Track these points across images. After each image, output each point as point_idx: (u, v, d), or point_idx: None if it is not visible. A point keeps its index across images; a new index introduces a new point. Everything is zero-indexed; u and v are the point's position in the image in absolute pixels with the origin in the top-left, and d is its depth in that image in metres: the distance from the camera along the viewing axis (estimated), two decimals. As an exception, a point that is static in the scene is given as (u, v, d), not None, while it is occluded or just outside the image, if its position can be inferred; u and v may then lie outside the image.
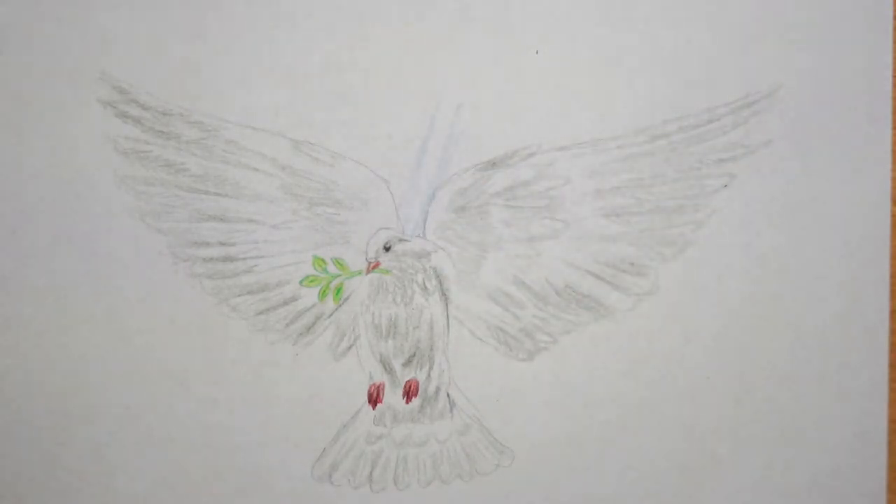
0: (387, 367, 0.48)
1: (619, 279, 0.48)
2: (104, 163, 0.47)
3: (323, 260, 0.48)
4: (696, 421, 0.48)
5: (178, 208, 0.47)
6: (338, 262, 0.48)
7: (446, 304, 0.48)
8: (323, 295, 0.48)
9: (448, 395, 0.48)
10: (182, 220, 0.47)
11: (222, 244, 0.47)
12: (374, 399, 0.48)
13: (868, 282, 0.48)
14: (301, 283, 0.48)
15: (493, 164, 0.47)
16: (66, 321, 0.48)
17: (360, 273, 0.48)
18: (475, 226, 0.48)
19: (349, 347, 0.48)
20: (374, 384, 0.48)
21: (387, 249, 0.47)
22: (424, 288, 0.48)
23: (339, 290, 0.48)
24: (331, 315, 0.48)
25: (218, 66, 0.47)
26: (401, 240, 0.47)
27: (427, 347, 0.48)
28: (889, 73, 0.47)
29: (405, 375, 0.48)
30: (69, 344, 0.48)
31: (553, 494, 0.48)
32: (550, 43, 0.47)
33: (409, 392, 0.48)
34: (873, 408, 0.48)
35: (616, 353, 0.48)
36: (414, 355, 0.48)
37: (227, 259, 0.47)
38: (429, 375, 0.48)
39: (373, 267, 0.47)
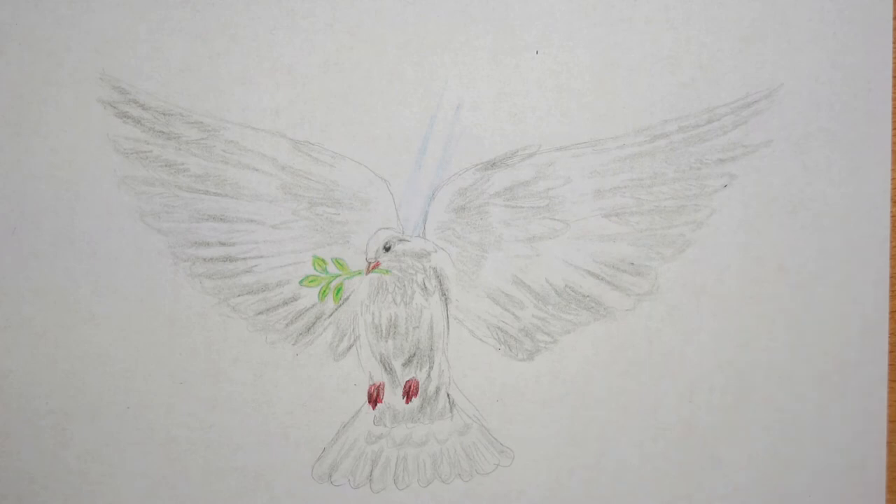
0: (387, 367, 0.48)
1: (619, 279, 0.48)
2: (104, 163, 0.47)
3: (323, 260, 0.48)
4: (695, 420, 0.48)
5: (178, 208, 0.47)
6: (338, 262, 0.48)
7: (446, 304, 0.48)
8: (323, 295, 0.48)
9: (448, 394, 0.48)
10: (182, 220, 0.47)
11: (222, 244, 0.47)
12: (373, 399, 0.48)
13: (868, 282, 0.48)
14: (301, 283, 0.48)
15: (492, 164, 0.48)
16: (67, 321, 0.48)
17: (360, 273, 0.48)
18: (475, 226, 0.48)
19: (349, 347, 0.48)
20: (373, 384, 0.48)
21: (387, 249, 0.47)
22: (424, 288, 0.48)
23: (339, 290, 0.48)
24: (331, 315, 0.48)
25: (218, 67, 0.47)
26: (401, 240, 0.47)
27: (427, 347, 0.48)
28: (889, 73, 0.47)
29: (405, 375, 0.48)
30: (69, 343, 0.48)
31: (553, 494, 0.48)
32: (550, 43, 0.47)
33: (409, 392, 0.48)
34: (873, 407, 0.48)
35: (616, 353, 0.48)
36: (414, 355, 0.48)
37: (227, 259, 0.48)
38: (429, 375, 0.48)
39: (373, 267, 0.47)
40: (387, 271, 0.48)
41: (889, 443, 0.48)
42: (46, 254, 0.47)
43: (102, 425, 0.48)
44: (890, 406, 0.48)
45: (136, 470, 0.48)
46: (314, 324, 0.48)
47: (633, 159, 0.47)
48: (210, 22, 0.47)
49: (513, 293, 0.48)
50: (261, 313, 0.48)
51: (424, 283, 0.48)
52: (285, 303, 0.48)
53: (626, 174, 0.48)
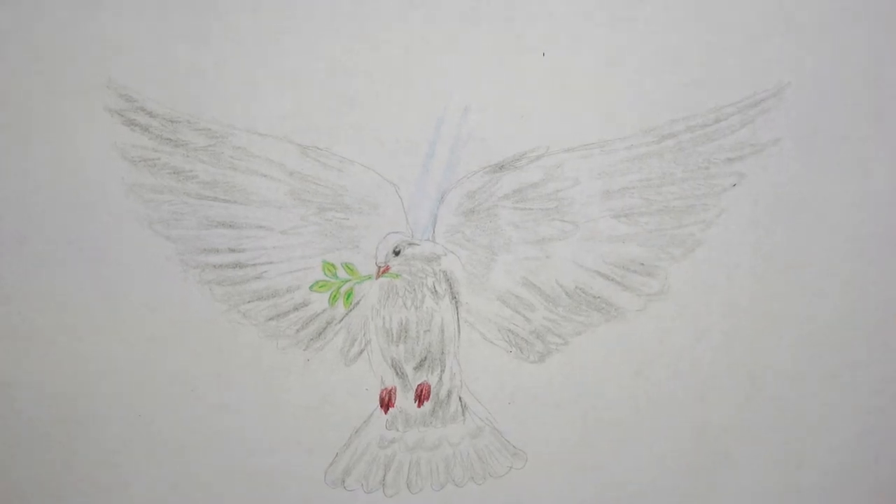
0: (398, 371, 0.48)
1: (629, 280, 0.48)
2: (112, 171, 0.47)
3: (333, 265, 0.48)
4: (707, 420, 0.48)
5: (186, 215, 0.47)
6: (348, 267, 0.48)
7: (457, 308, 0.48)
8: (333, 300, 0.48)
9: (460, 398, 0.48)
10: (191, 228, 0.47)
11: (232, 251, 0.47)
12: (385, 403, 0.48)
13: (876, 280, 0.48)
14: (311, 288, 0.48)
15: (501, 167, 0.47)
16: (76, 329, 0.48)
17: (370, 277, 0.48)
18: (484, 228, 0.48)
19: (360, 352, 0.48)
20: (385, 388, 0.48)
21: (396, 253, 0.47)
22: (434, 291, 0.48)
23: (349, 294, 0.48)
24: (341, 320, 0.48)
25: (224, 73, 0.47)
26: (410, 244, 0.47)
27: (438, 351, 0.48)
28: (896, 71, 0.47)
29: (417, 379, 0.48)
30: (79, 351, 0.48)
31: (566, 496, 0.48)
32: (556, 44, 0.47)
33: (421, 396, 0.48)
34: (884, 405, 0.48)
35: (627, 354, 0.48)
36: (425, 359, 0.48)
37: (237, 265, 0.47)
38: (440, 379, 0.48)
39: (383, 271, 0.47)
40: (397, 275, 0.48)
41: (901, 440, 0.48)
42: (55, 262, 0.47)
43: (113, 433, 0.48)
44: (902, 403, 0.48)
45: (147, 477, 0.48)
46: (325, 329, 0.48)
47: (642, 160, 0.47)
48: (215, 28, 0.47)
49: (523, 295, 0.48)
50: (271, 319, 0.48)
51: (434, 287, 0.48)
52: (296, 308, 0.48)
53: (634, 174, 0.48)
